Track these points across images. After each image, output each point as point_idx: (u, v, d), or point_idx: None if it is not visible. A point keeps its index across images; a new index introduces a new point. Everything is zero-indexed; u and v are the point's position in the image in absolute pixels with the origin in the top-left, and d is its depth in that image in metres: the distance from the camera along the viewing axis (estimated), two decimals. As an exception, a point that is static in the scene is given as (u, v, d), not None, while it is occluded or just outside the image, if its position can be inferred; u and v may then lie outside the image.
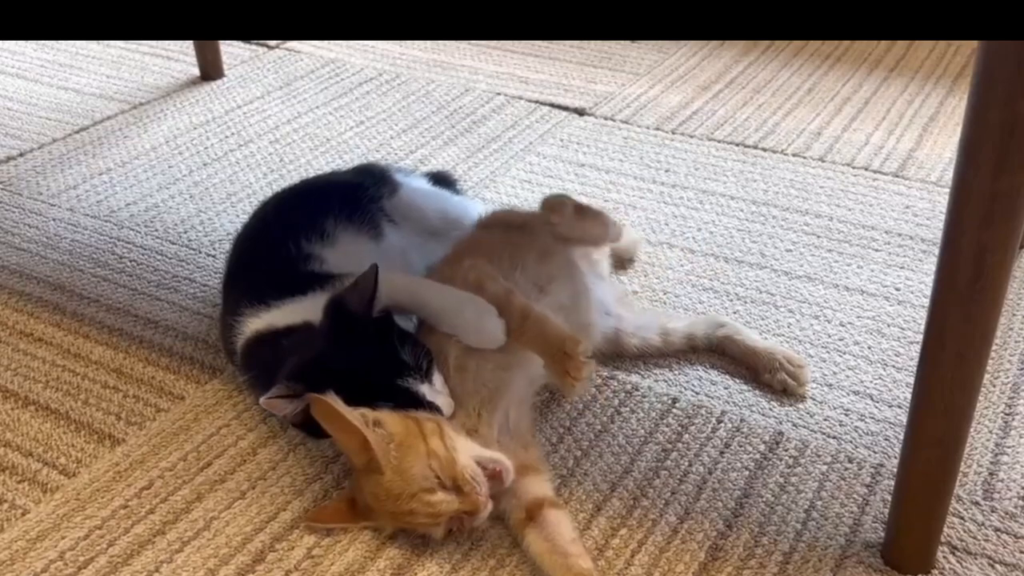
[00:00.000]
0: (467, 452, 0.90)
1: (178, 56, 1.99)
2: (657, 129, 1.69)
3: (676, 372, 1.14)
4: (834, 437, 1.05)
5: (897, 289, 1.28)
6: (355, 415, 0.88)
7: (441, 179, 1.39)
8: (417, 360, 0.95)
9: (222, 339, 1.13)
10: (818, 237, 1.39)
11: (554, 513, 0.92)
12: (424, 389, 0.94)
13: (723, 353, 1.16)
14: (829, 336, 1.20)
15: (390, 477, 0.88)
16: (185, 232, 1.42)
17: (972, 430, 1.02)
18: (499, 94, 1.82)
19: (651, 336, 1.15)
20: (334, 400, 0.88)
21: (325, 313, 0.97)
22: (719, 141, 1.65)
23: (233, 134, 1.70)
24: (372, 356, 0.95)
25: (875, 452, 1.03)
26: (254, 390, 1.07)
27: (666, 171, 1.56)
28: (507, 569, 0.90)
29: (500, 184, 1.53)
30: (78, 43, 2.09)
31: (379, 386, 0.93)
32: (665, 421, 1.07)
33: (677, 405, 1.09)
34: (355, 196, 1.19)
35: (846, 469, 1.01)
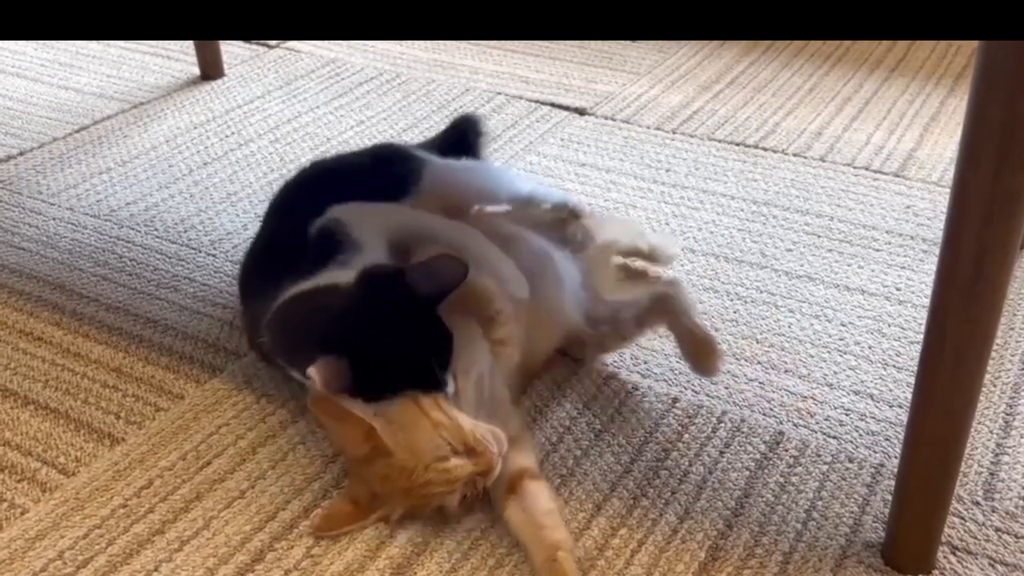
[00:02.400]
0: (467, 417, 0.92)
1: (178, 56, 1.99)
2: (658, 129, 1.69)
3: (676, 372, 1.14)
4: (835, 437, 1.05)
5: (898, 289, 1.28)
6: (356, 406, 0.89)
7: (462, 133, 1.35)
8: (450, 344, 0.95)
9: (247, 324, 1.11)
10: (819, 237, 1.39)
11: (533, 485, 0.93)
12: (447, 376, 0.94)
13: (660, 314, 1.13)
14: (830, 336, 1.19)
15: (401, 456, 0.89)
16: (185, 231, 1.42)
17: (973, 430, 1.02)
18: (499, 94, 1.82)
19: (605, 328, 1.13)
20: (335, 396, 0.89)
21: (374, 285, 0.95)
22: (720, 141, 1.65)
23: (233, 133, 1.70)
24: (423, 337, 0.94)
25: (875, 452, 1.03)
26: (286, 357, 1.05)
27: (667, 171, 1.56)
28: (506, 569, 0.90)
29: (500, 184, 1.53)
30: (78, 43, 2.09)
31: (416, 369, 0.93)
32: (665, 421, 1.07)
33: (677, 405, 1.09)
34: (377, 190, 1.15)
35: (846, 469, 1.01)
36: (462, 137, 1.36)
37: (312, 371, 0.89)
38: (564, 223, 1.20)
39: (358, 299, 0.95)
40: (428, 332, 0.95)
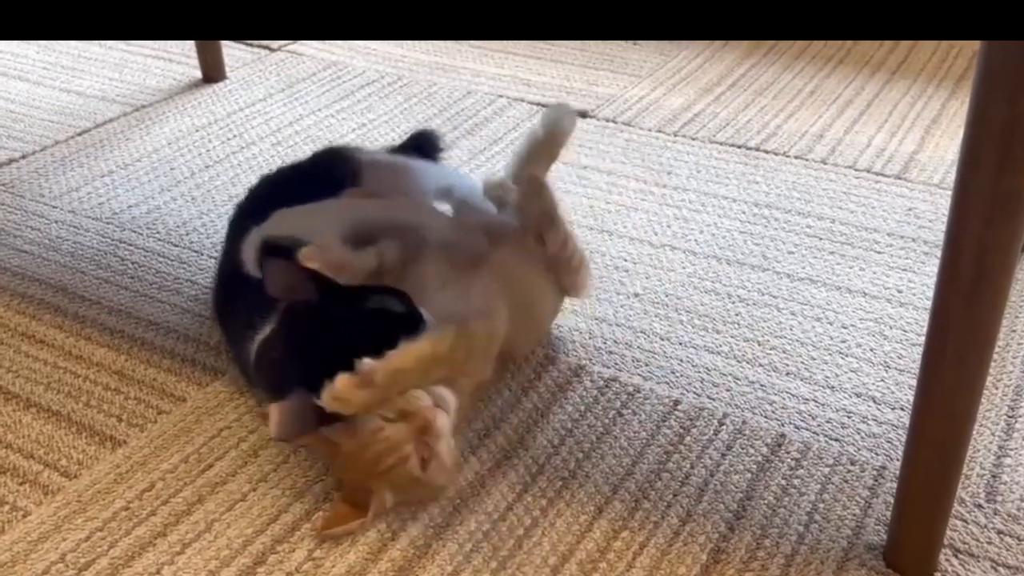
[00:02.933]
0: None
1: (180, 59, 2.00)
2: (659, 131, 1.69)
3: (678, 374, 1.14)
4: (836, 439, 1.05)
5: (899, 291, 1.28)
6: None
7: (420, 143, 1.37)
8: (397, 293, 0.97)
9: (236, 357, 1.12)
10: (820, 239, 1.39)
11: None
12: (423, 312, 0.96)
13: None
14: (831, 338, 1.19)
15: (347, 444, 0.92)
16: (187, 234, 1.43)
17: (975, 432, 1.01)
18: (501, 96, 1.82)
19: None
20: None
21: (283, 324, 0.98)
22: (721, 143, 1.65)
23: (235, 136, 1.70)
24: (363, 315, 0.95)
25: (877, 454, 1.03)
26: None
27: (668, 173, 1.56)
28: (508, 572, 0.90)
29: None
30: (80, 46, 2.09)
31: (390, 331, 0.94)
32: (667, 423, 1.07)
33: (679, 407, 1.09)
34: (317, 189, 1.17)
35: (848, 471, 1.01)
36: (418, 151, 1.37)
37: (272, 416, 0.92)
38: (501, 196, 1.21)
39: (291, 337, 0.97)
40: (366, 320, 0.96)
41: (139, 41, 2.10)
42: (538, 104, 1.78)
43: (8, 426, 1.09)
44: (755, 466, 1.02)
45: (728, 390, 1.12)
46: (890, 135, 1.66)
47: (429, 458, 0.91)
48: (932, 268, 1.30)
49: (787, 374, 1.14)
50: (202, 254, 1.38)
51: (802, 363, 1.16)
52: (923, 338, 0.80)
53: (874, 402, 1.10)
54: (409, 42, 2.07)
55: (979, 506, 0.97)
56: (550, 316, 1.19)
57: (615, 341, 1.20)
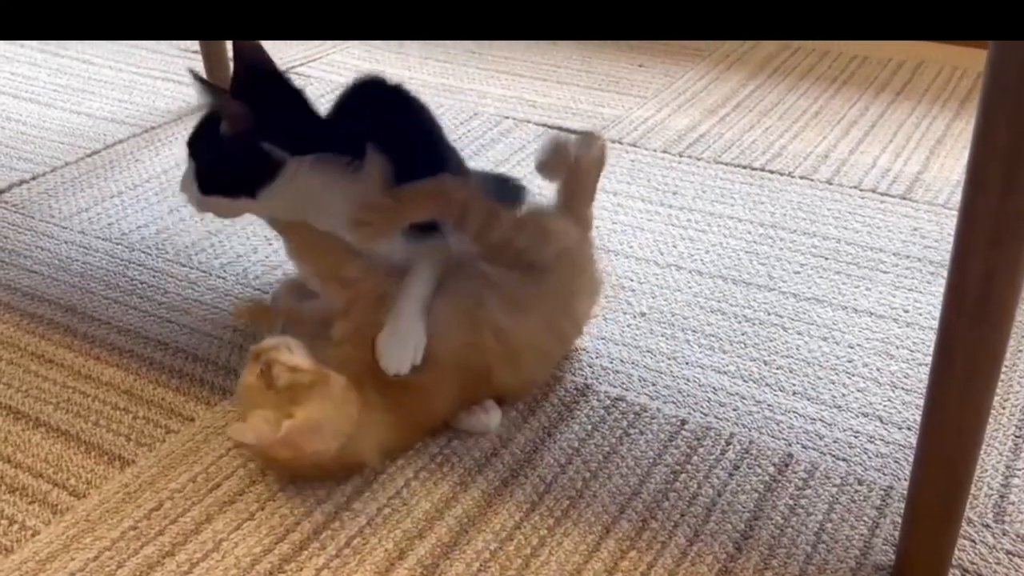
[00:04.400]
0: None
1: (189, 80, 2.01)
2: (664, 152, 1.70)
3: (685, 394, 1.14)
4: (844, 459, 1.05)
5: (905, 311, 1.28)
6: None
7: None
8: None
9: None
10: (826, 259, 1.39)
11: None
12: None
13: None
14: (838, 358, 1.20)
15: None
16: (195, 255, 1.43)
17: (982, 452, 1.01)
18: (507, 118, 1.83)
19: None
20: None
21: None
22: (726, 164, 1.66)
23: (243, 157, 1.71)
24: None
25: (885, 474, 1.03)
26: None
27: (673, 193, 1.57)
28: (516, 591, 0.91)
29: (508, 207, 1.54)
30: (91, 68, 2.11)
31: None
32: (674, 443, 1.07)
33: (686, 427, 1.09)
34: None
35: (856, 491, 1.01)
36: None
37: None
38: None
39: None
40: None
41: (148, 63, 2.12)
42: (544, 125, 1.80)
43: (17, 445, 1.10)
44: (762, 486, 1.02)
45: (735, 410, 1.12)
46: (895, 155, 1.67)
47: (267, 374, 0.97)
48: (938, 288, 1.31)
49: (794, 394, 1.14)
50: (211, 274, 1.39)
51: (809, 383, 1.16)
52: (930, 358, 0.80)
53: (881, 422, 1.10)
54: (415, 64, 2.08)
55: (987, 526, 0.96)
56: (570, 336, 1.20)
57: (621, 360, 1.20)
